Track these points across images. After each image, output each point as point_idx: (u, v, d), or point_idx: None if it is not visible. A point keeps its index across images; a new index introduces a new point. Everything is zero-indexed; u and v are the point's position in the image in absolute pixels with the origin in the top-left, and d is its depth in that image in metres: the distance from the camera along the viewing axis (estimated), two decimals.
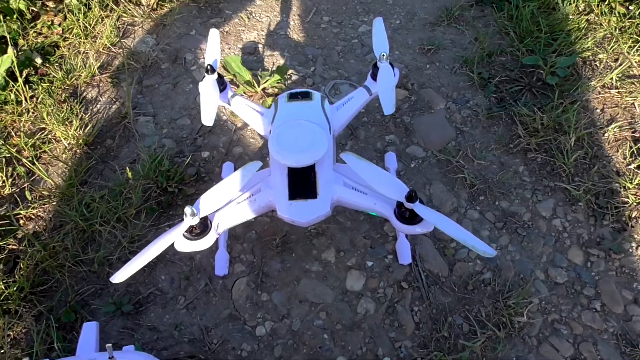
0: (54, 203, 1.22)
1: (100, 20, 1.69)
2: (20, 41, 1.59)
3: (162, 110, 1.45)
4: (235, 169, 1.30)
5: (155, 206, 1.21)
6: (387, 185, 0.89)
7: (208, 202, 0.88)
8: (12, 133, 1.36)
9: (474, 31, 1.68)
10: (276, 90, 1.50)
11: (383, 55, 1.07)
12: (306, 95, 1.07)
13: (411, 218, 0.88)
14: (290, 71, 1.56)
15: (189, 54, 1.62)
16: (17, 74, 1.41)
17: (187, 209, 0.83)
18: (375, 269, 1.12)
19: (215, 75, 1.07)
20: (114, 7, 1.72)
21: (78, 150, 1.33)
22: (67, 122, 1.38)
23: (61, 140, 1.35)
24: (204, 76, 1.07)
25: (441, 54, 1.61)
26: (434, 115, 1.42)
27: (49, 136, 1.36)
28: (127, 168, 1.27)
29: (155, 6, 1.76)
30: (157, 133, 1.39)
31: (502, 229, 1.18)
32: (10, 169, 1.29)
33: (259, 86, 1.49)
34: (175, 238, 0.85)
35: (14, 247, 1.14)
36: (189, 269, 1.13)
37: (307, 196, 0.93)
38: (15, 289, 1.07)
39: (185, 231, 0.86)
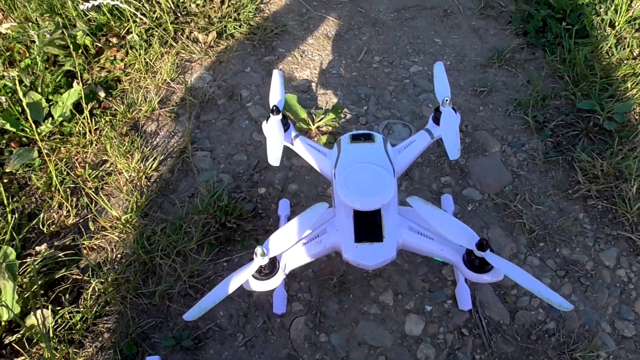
0: (116, 235, 1.25)
1: (160, 56, 1.75)
2: (85, 75, 1.66)
3: (219, 146, 1.49)
4: (291, 206, 1.32)
5: (214, 241, 1.23)
6: (456, 232, 0.89)
7: (277, 242, 0.89)
8: (77, 164, 1.40)
9: (526, 74, 1.68)
10: (330, 128, 1.52)
11: (446, 100, 1.08)
12: (369, 137, 1.08)
13: (480, 266, 0.87)
14: (343, 110, 1.58)
15: (245, 90, 1.67)
16: (84, 105, 1.47)
17: (258, 249, 0.84)
18: (434, 314, 1.11)
19: (280, 116, 1.09)
20: (173, 44, 1.79)
21: (139, 183, 1.37)
22: (128, 155, 1.42)
23: (123, 173, 1.39)
24: (269, 116, 1.09)
25: (494, 96, 1.61)
26: (489, 158, 1.41)
27: (111, 168, 1.41)
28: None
29: (212, 44, 1.82)
30: (215, 168, 1.42)
31: (564, 277, 1.16)
32: (74, 199, 1.33)
33: (313, 124, 1.51)
34: (247, 278, 0.86)
35: (78, 277, 1.17)
36: (247, 306, 1.14)
37: (373, 239, 0.93)
38: (79, 319, 1.09)
39: (255, 271, 0.87)
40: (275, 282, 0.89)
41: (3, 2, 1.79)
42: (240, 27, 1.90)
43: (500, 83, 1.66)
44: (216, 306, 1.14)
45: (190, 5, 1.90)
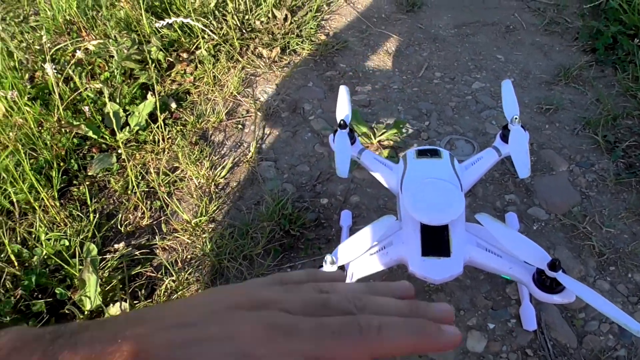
0: (186, 237, 1.31)
1: (226, 70, 1.83)
2: (158, 88, 1.75)
3: (283, 157, 1.53)
4: (353, 217, 1.35)
5: (278, 247, 1.26)
6: (527, 251, 0.88)
7: (345, 251, 0.92)
8: (151, 170, 1.48)
9: (594, 92, 1.65)
10: (392, 142, 1.54)
11: (515, 118, 1.08)
12: (435, 153, 1.09)
13: (551, 286, 0.86)
14: (405, 125, 1.60)
15: (307, 104, 1.71)
16: (158, 115, 1.55)
17: (328, 257, 0.87)
18: (497, 332, 1.10)
19: (347, 130, 1.12)
20: (239, 59, 1.86)
21: (208, 189, 1.43)
22: (198, 163, 1.49)
23: (193, 179, 1.45)
24: (336, 130, 1.12)
25: (560, 114, 1.59)
26: (556, 177, 1.39)
27: (182, 174, 1.47)
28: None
29: (276, 59, 1.88)
30: (279, 177, 1.46)
31: (637, 303, 1.12)
32: (149, 202, 1.40)
33: (374, 138, 1.54)
34: None
35: (152, 274, 1.23)
36: None
37: (440, 254, 0.94)
38: None
39: None
40: None
41: (85, 20, 1.92)
42: (302, 43, 1.95)
43: (567, 101, 1.63)
44: None
45: (254, 22, 1.98)
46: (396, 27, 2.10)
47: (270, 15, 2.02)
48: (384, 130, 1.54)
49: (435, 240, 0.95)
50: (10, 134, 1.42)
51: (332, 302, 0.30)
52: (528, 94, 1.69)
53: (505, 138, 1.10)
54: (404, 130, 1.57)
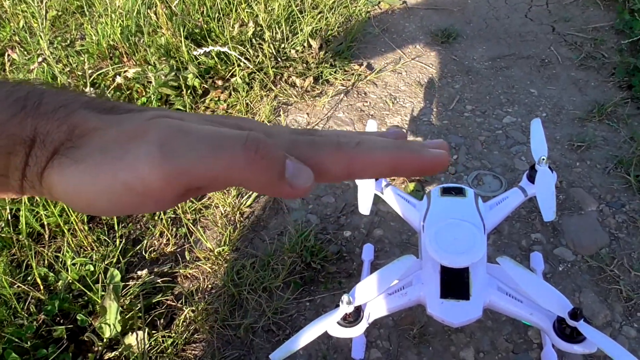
0: (208, 266, 1.33)
1: (259, 98, 1.87)
2: None
3: None
4: (375, 252, 1.34)
5: (299, 280, 1.27)
6: (548, 298, 0.86)
7: (363, 291, 0.92)
8: None
9: (628, 129, 1.61)
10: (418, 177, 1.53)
11: (543, 159, 1.06)
12: (460, 192, 1.08)
13: (572, 335, 0.84)
14: None
15: None
16: None
17: (345, 297, 0.87)
18: None
19: None
20: (272, 87, 1.90)
21: (233, 218, 1.46)
22: (225, 191, 1.52)
23: (219, 207, 1.48)
24: None
25: (592, 152, 1.55)
26: (585, 217, 1.35)
27: (209, 202, 1.51)
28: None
29: (308, 88, 1.91)
30: (304, 208, 1.48)
31: None
32: (174, 229, 1.43)
33: None
34: (332, 324, 0.89)
35: (172, 303, 1.26)
36: (326, 348, 1.16)
37: (460, 297, 0.93)
38: (170, 343, 1.17)
39: (340, 318, 0.89)
40: (358, 330, 0.91)
41: (127, 45, 2.00)
42: (335, 72, 1.98)
43: (600, 138, 1.60)
44: None
45: (290, 51, 2.02)
46: (430, 59, 2.11)
47: (305, 44, 2.06)
48: None
49: (455, 283, 0.94)
50: None
51: (318, 135, 0.28)
52: (560, 130, 1.66)
53: (531, 178, 1.09)
54: None
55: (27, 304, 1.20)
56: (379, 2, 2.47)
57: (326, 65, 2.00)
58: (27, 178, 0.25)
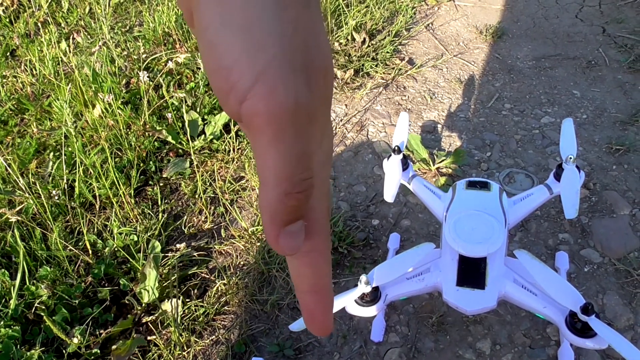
0: (242, 243, 1.41)
1: None
2: None
3: (342, 175, 1.60)
4: (401, 241, 1.38)
5: None
6: (562, 292, 0.88)
7: (381, 273, 0.96)
8: (219, 177, 1.61)
9: None
10: (450, 170, 1.56)
11: (570, 157, 1.07)
12: (484, 186, 1.11)
13: (583, 330, 0.86)
14: (465, 154, 1.61)
15: (372, 126, 1.77)
16: (232, 127, 1.68)
17: (363, 277, 0.92)
18: None
19: (400, 156, 1.17)
20: None
21: None
22: None
23: (255, 189, 1.56)
24: (390, 155, 1.17)
25: (631, 156, 1.53)
26: (616, 221, 1.35)
27: (247, 184, 1.58)
28: None
29: (348, 80, 1.96)
30: (335, 195, 1.53)
31: None
32: (212, 207, 1.52)
33: (433, 164, 1.56)
34: (349, 302, 0.94)
35: (206, 276, 1.34)
36: (347, 328, 1.21)
37: (475, 286, 0.96)
38: (202, 312, 1.25)
39: (358, 297, 0.95)
40: (373, 310, 0.96)
41: (180, 33, 2.10)
42: (376, 66, 2.02)
43: None
44: None
45: (334, 44, 2.07)
46: (472, 56, 2.11)
47: (349, 37, 2.11)
48: (444, 158, 1.57)
49: (471, 272, 0.98)
50: (102, 133, 1.60)
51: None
52: (600, 132, 1.64)
53: (558, 177, 1.10)
54: (463, 160, 1.59)
55: (77, 266, 1.31)
56: None
57: (368, 58, 2.04)
58: None
